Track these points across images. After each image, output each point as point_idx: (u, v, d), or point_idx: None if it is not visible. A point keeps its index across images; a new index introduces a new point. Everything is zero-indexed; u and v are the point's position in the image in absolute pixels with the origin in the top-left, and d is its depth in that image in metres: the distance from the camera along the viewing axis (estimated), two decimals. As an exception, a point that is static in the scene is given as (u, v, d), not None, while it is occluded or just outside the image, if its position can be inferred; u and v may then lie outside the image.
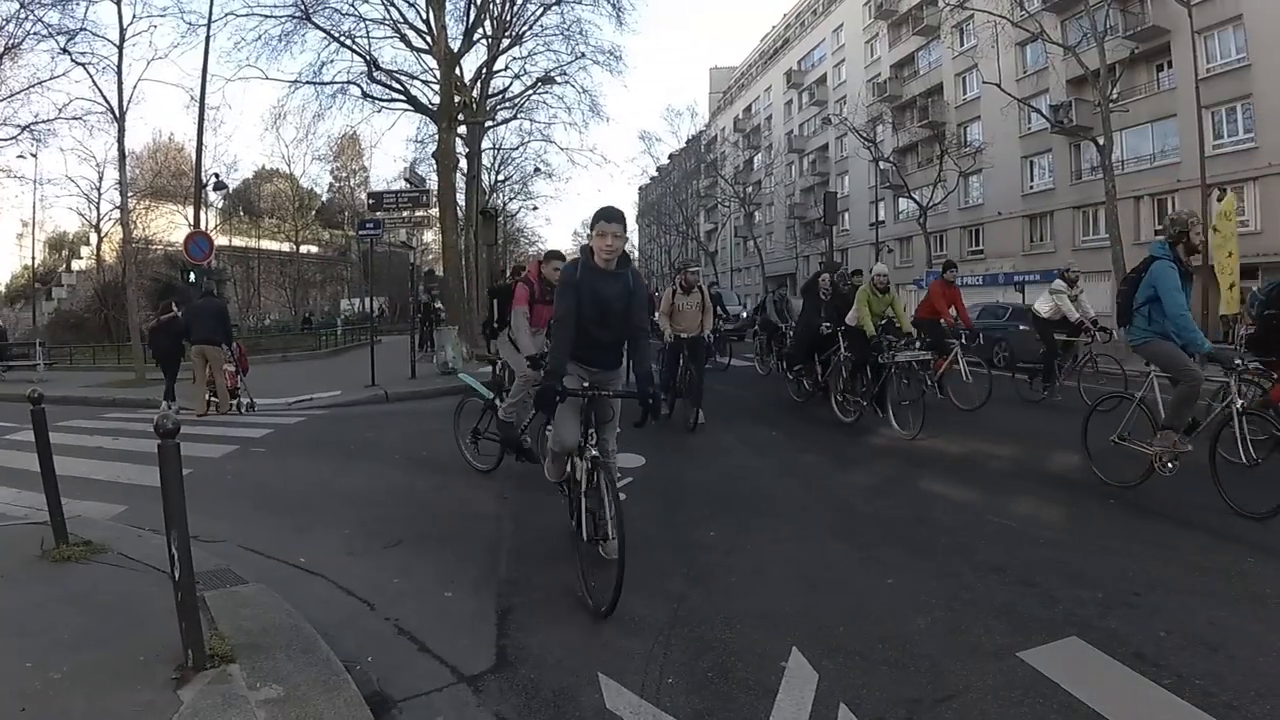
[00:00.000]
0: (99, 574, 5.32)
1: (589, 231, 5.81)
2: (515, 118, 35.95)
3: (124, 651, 4.05)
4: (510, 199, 56.98)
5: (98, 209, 48.80)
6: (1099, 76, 30.13)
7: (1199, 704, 3.65)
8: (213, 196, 31.13)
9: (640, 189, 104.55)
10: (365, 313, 43.55)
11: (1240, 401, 6.93)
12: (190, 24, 32.91)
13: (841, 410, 12.35)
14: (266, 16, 27.44)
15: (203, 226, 27.47)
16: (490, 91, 32.34)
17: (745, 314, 21.60)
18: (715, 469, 8.84)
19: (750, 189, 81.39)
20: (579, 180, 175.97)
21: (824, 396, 13.09)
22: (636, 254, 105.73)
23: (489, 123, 33.87)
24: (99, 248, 52.31)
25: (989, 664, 4.11)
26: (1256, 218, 33.12)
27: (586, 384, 5.67)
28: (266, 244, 69.65)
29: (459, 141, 30.59)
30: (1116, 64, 32.97)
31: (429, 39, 28.79)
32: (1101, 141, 29.98)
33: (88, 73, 24.35)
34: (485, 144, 36.95)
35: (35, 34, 24.22)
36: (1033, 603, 4.93)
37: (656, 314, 13.42)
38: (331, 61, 29.22)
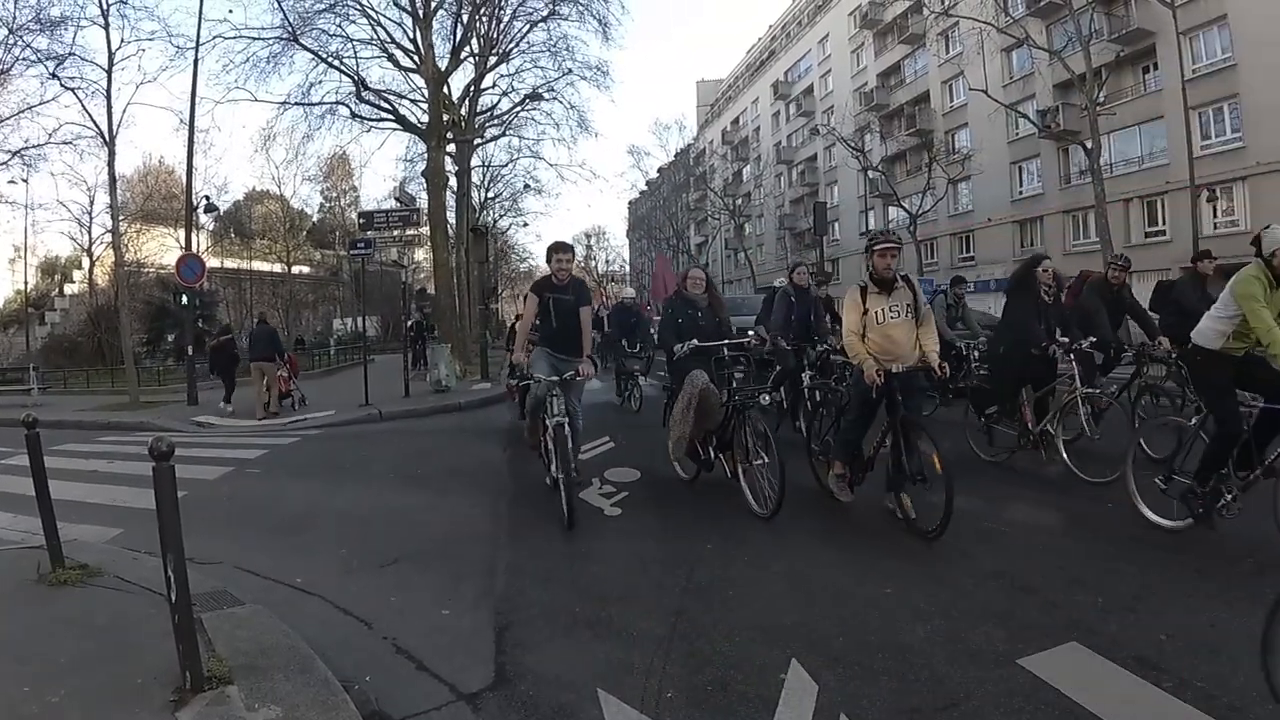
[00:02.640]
0: (95, 597, 5.30)
1: None
2: (504, 135, 36.13)
3: (122, 674, 4.03)
4: (500, 216, 57.07)
5: (89, 233, 49.01)
6: (1085, 80, 30.32)
7: (1202, 707, 3.65)
8: (204, 219, 31.19)
9: (630, 203, 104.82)
10: (358, 332, 43.51)
11: None
12: (178, 47, 32.67)
13: (1164, 508, 6.49)
14: (254, 39, 27.64)
15: (194, 249, 27.43)
16: (478, 109, 32.51)
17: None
18: (710, 481, 8.78)
19: (740, 201, 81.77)
20: (568, 196, 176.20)
21: (1033, 449, 8.86)
22: (627, 269, 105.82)
23: (478, 140, 33.97)
24: (91, 271, 52.36)
25: (989, 671, 4.10)
26: (1246, 217, 33.16)
27: None
28: (258, 265, 69.41)
29: (448, 159, 30.73)
30: (1102, 67, 33.13)
31: (416, 58, 28.96)
32: (1089, 145, 30.13)
33: (77, 97, 24.27)
34: (474, 161, 37.10)
35: (24, 60, 24.20)
36: (1032, 609, 4.92)
37: (752, 335, 11.30)
38: (320, 82, 29.19)
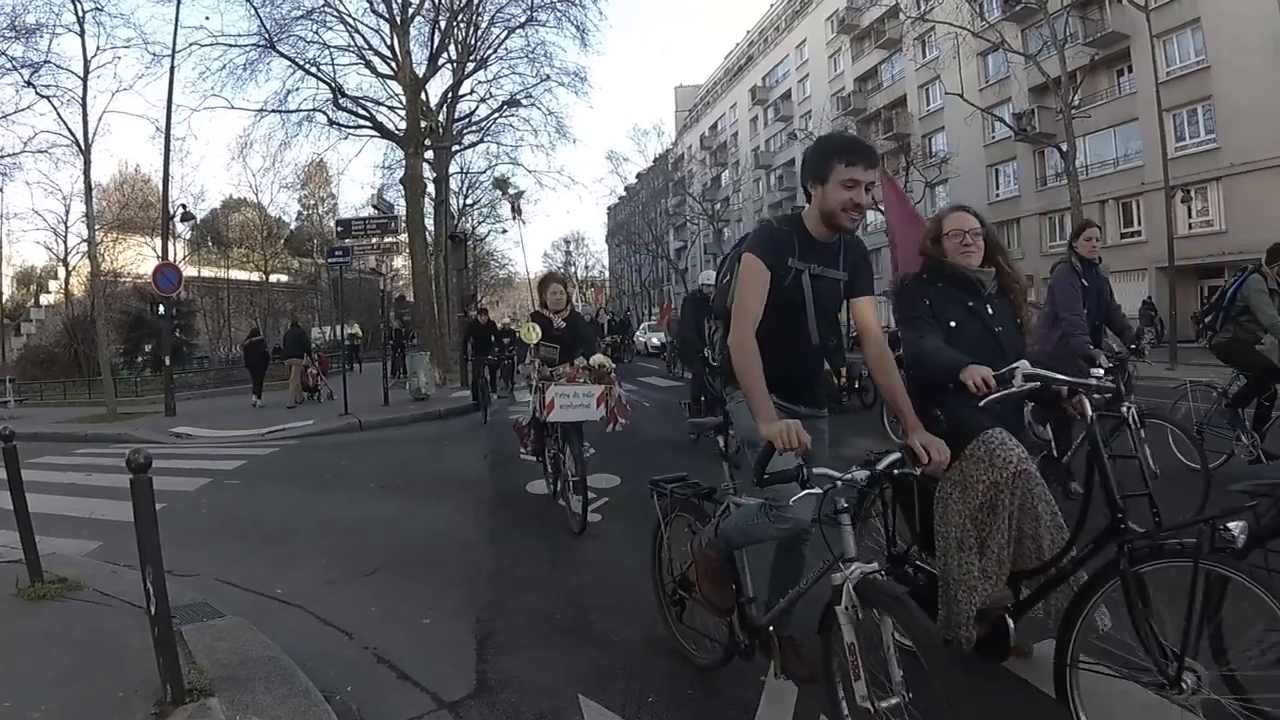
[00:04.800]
0: (75, 611, 5.28)
1: None
2: (482, 141, 36.03)
3: (102, 688, 4.02)
4: (479, 223, 56.96)
5: (65, 242, 48.55)
6: (1060, 84, 30.48)
7: (1187, 704, 3.67)
8: (180, 228, 30.97)
9: (609, 209, 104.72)
10: (337, 340, 43.49)
11: None
12: (154, 55, 32.76)
13: None
14: (231, 45, 27.57)
15: (171, 258, 27.31)
16: (456, 116, 32.46)
17: None
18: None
19: (718, 206, 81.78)
20: (547, 202, 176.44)
21: None
22: (607, 275, 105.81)
23: (456, 147, 33.93)
24: (67, 282, 51.89)
25: (974, 669, 4.11)
26: (1221, 217, 33.56)
27: None
28: (235, 274, 68.93)
29: (426, 166, 30.64)
30: (1077, 71, 33.35)
31: (394, 65, 28.94)
32: (1065, 148, 30.27)
33: (52, 105, 24.22)
34: (453, 168, 37.01)
35: (-1, 68, 24.11)
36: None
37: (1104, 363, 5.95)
38: (297, 89, 29.06)
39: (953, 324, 4.07)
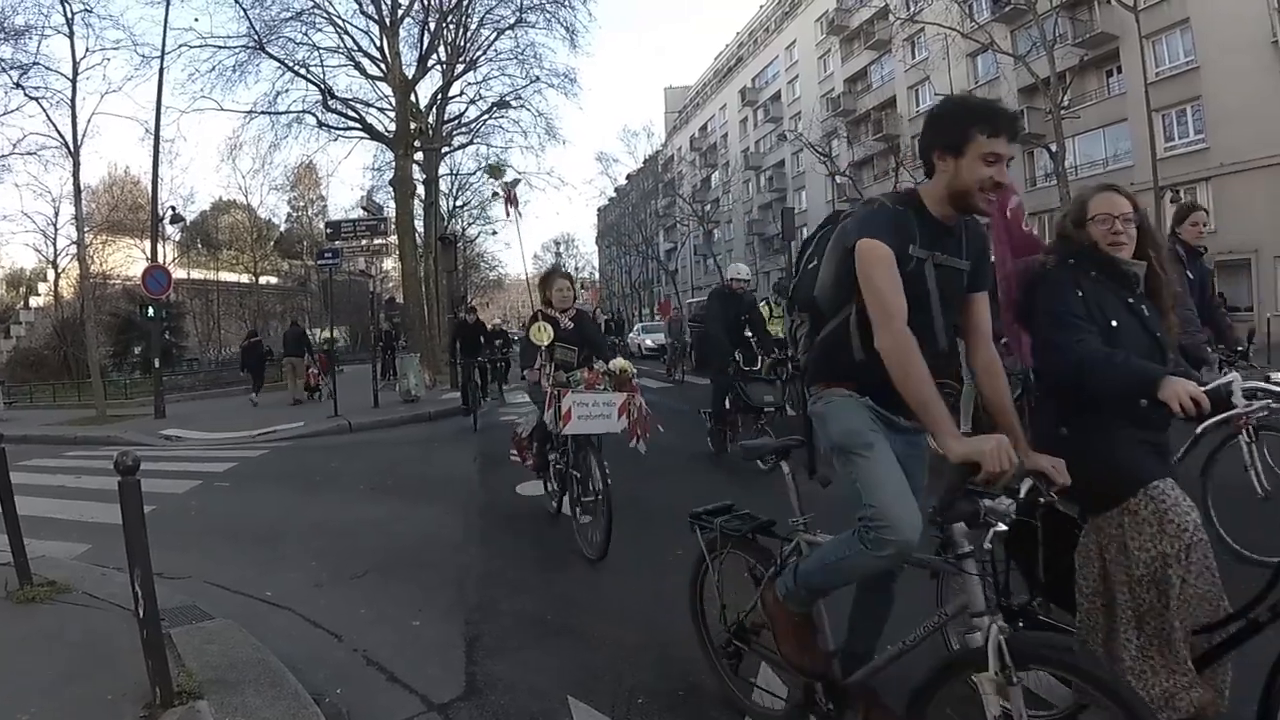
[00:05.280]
0: (64, 614, 5.26)
1: None
2: (472, 143, 35.82)
3: (92, 691, 4.01)
4: (469, 224, 56.92)
5: (54, 245, 48.43)
6: (1050, 84, 30.58)
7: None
8: (170, 230, 30.92)
9: (599, 210, 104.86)
10: (327, 345, 43.42)
11: None
12: (144, 56, 32.37)
13: None
14: (220, 47, 27.43)
15: (160, 260, 27.24)
16: (446, 117, 32.33)
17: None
18: (682, 488, 8.76)
19: (708, 207, 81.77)
20: (537, 203, 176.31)
21: None
22: (597, 276, 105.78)
23: (445, 149, 33.82)
24: (56, 284, 51.75)
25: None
26: (1210, 217, 33.47)
27: None
28: (225, 276, 68.93)
29: (416, 168, 30.56)
30: (1066, 72, 33.47)
31: (383, 66, 28.83)
32: (1054, 148, 30.39)
33: (41, 107, 24.12)
34: (442, 170, 36.89)
35: (-13, 70, 23.99)
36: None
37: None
38: (286, 91, 28.91)
39: (1114, 324, 3.27)
